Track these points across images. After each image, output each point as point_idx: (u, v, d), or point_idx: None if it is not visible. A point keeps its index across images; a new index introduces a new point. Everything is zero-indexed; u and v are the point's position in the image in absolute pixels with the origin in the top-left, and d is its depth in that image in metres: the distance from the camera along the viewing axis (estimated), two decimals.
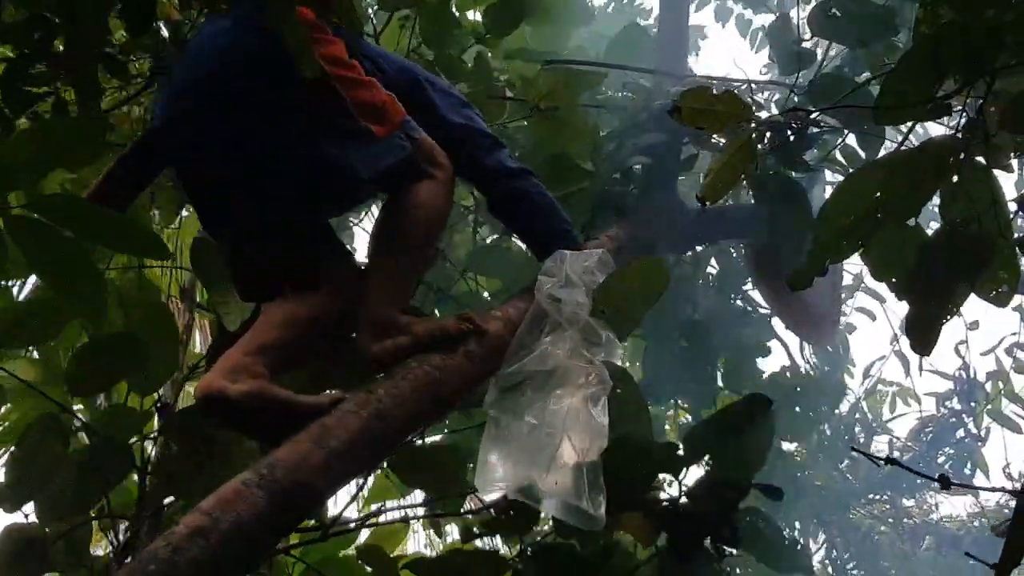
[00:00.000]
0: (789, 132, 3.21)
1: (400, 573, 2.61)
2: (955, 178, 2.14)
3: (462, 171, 2.48)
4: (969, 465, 6.91)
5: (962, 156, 2.07)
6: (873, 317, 6.13)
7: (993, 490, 4.86)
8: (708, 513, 2.40)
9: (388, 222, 2.35)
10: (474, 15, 3.68)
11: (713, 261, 4.10)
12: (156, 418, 2.85)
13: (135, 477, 2.62)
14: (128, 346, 2.48)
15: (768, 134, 3.40)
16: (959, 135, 2.05)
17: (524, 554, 2.50)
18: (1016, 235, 2.19)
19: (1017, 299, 6.36)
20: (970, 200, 2.13)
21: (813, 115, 3.02)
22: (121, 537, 2.63)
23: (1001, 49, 1.90)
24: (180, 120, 2.26)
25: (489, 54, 3.37)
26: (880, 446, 7.19)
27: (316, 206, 2.33)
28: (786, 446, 4.60)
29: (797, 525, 6.92)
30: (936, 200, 2.25)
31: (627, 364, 4.79)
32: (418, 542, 4.54)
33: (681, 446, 2.51)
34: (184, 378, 3.08)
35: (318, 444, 1.89)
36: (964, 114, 2.04)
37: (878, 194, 2.14)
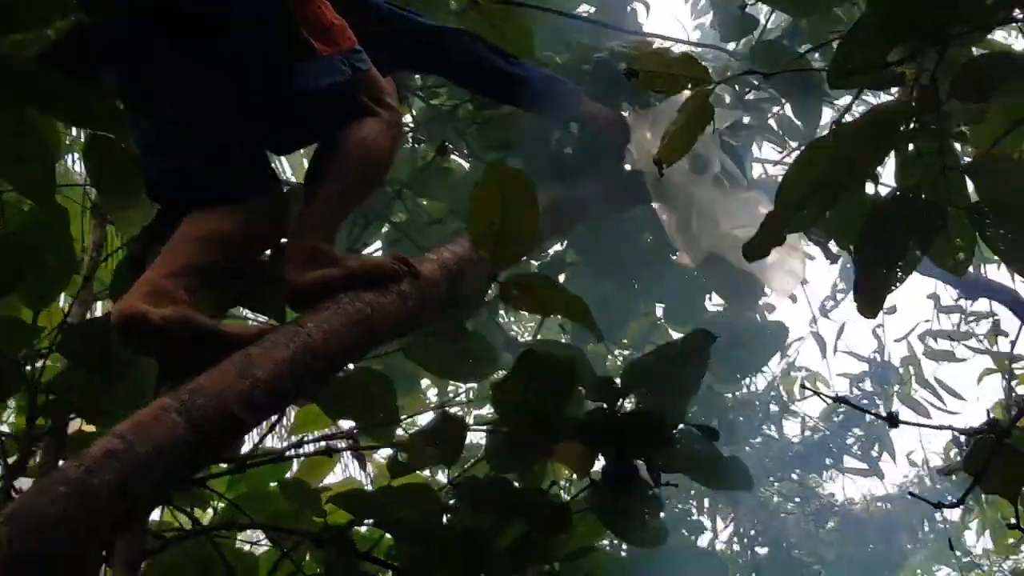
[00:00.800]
0: (728, 98, 3.28)
1: (325, 507, 2.60)
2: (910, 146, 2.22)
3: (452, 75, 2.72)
4: (877, 448, 7.14)
5: (914, 123, 2.15)
6: (794, 299, 6.28)
7: (942, 428, 4.99)
8: (644, 436, 2.45)
9: (325, 157, 2.31)
10: None
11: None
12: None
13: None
14: (14, 250, 2.35)
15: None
16: (912, 103, 2.12)
17: (457, 488, 2.51)
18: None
19: (931, 286, 6.70)
20: (923, 167, 2.21)
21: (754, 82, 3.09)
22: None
23: (953, 16, 1.98)
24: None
25: None
26: (792, 427, 7.44)
27: (253, 108, 2.26)
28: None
29: (707, 503, 7.09)
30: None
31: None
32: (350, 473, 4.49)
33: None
34: (92, 299, 2.98)
35: (242, 374, 1.84)
36: (916, 82, 2.11)
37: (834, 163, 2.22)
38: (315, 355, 2.00)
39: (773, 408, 7.12)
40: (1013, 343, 5.13)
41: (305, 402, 2.77)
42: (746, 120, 3.62)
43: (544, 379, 2.40)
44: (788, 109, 3.62)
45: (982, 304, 6.15)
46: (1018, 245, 2.22)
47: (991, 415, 1.98)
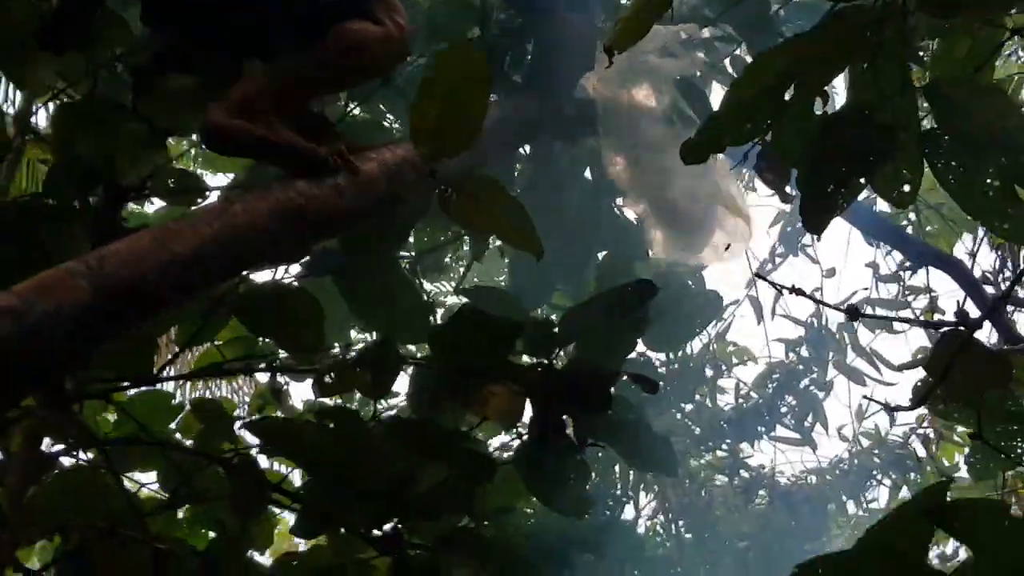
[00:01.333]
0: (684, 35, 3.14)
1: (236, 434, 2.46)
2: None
3: None
4: (811, 416, 7.08)
5: (873, 36, 2.01)
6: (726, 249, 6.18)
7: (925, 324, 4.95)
8: (577, 390, 2.34)
9: (315, 44, 2.25)
10: None
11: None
12: None
13: None
14: None
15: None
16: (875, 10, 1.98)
17: (379, 424, 2.38)
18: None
19: (871, 254, 6.66)
20: (878, 85, 2.07)
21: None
22: None
23: None
24: None
25: None
26: (727, 396, 7.35)
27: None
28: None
29: (631, 475, 6.98)
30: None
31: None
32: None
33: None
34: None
35: (161, 244, 1.72)
36: None
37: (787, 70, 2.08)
38: (238, 237, 1.91)
39: (708, 373, 7.02)
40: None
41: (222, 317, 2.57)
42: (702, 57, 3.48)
43: (482, 327, 2.27)
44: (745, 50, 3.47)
45: (921, 279, 6.13)
46: (969, 180, 2.10)
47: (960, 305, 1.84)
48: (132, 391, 2.56)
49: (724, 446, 7.67)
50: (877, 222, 5.27)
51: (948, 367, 1.72)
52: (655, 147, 3.09)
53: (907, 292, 6.44)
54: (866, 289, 6.63)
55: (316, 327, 2.42)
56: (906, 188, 2.20)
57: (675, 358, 6.40)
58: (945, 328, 1.90)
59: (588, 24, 3.23)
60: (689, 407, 7.17)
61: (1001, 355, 1.94)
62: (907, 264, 5.83)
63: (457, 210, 2.38)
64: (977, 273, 4.58)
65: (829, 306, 2.06)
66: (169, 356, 2.64)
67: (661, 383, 5.49)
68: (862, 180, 2.15)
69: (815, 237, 6.55)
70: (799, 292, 1.95)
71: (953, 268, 4.40)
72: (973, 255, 5.19)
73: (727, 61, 3.53)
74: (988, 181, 2.05)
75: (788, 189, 2.91)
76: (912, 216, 5.85)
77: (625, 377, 2.48)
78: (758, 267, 6.81)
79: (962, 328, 1.80)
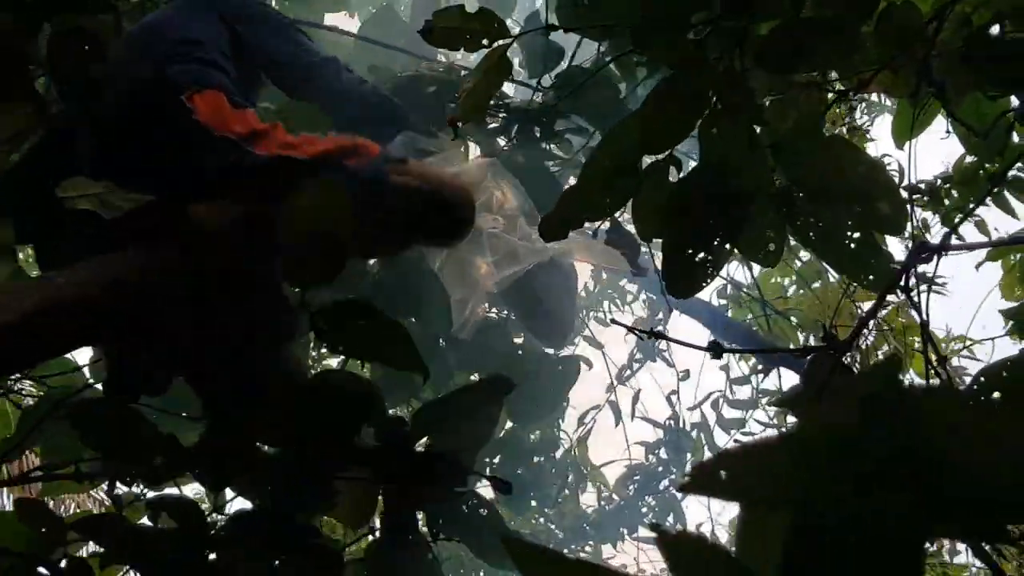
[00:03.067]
0: (536, 127, 3.10)
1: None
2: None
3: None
4: (672, 516, 7.02)
5: (715, 99, 1.97)
6: (590, 365, 6.16)
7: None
8: (429, 481, 2.16)
9: None
10: None
11: None
12: None
13: None
14: None
15: (515, 129, 3.30)
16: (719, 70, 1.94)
17: (226, 524, 2.13)
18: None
19: (724, 357, 6.77)
20: (726, 146, 2.01)
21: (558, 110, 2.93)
22: None
23: None
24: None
25: None
26: (588, 495, 7.22)
27: None
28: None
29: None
30: None
31: None
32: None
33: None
34: None
35: None
36: (722, 48, 1.94)
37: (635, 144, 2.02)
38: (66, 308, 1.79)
39: (569, 477, 6.90)
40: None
41: None
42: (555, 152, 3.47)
43: (335, 406, 2.07)
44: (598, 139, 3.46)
45: (773, 382, 6.21)
46: (828, 234, 2.05)
47: (829, 328, 1.73)
48: None
49: (587, 547, 7.53)
50: (729, 325, 5.35)
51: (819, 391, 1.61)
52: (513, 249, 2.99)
53: (760, 394, 6.53)
54: (720, 391, 6.71)
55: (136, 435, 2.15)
56: (771, 247, 2.15)
57: (539, 437, 6.25)
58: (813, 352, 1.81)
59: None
60: (551, 511, 7.02)
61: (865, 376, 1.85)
62: (759, 367, 5.94)
63: (332, 339, 2.20)
64: None
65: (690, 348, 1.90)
66: None
67: (524, 484, 5.37)
68: (727, 246, 2.07)
69: (668, 345, 6.70)
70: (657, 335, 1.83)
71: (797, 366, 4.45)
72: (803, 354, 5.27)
73: (582, 155, 3.49)
74: (848, 233, 2.01)
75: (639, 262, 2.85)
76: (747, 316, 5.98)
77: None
78: (616, 373, 6.82)
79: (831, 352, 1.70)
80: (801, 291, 5.84)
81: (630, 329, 1.98)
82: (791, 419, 5.79)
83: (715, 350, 1.71)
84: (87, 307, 1.89)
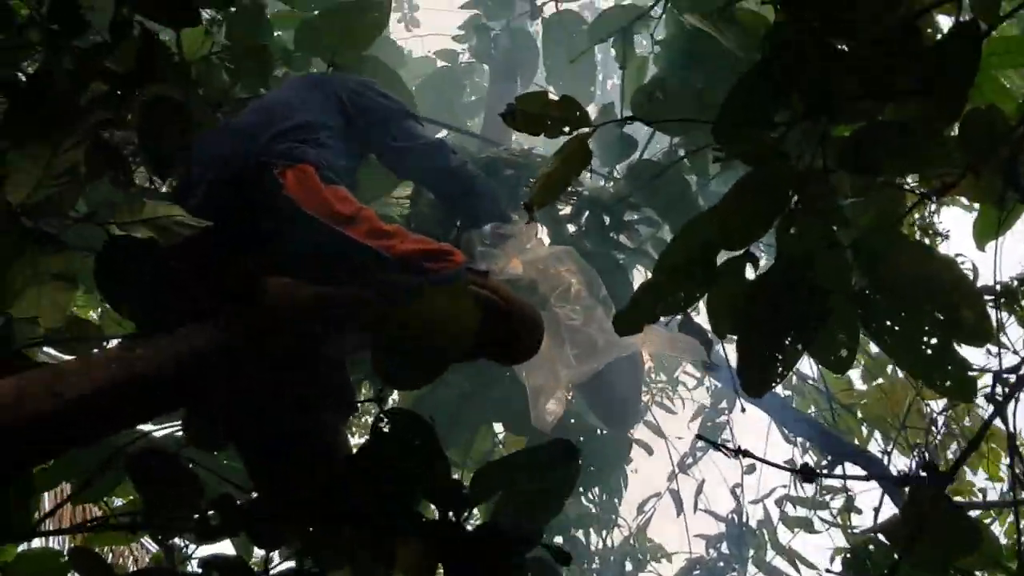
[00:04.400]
0: (606, 215, 3.09)
1: None
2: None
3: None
4: None
5: (795, 197, 1.92)
6: (650, 451, 6.01)
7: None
8: (491, 555, 2.07)
9: None
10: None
11: None
12: None
13: None
14: None
15: (586, 215, 3.29)
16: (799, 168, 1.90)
17: None
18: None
19: (788, 451, 6.56)
20: (805, 244, 1.95)
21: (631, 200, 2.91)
22: None
23: (846, 77, 1.80)
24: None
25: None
26: None
27: None
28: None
29: None
30: None
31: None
32: None
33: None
34: None
35: (48, 387, 1.55)
36: (803, 147, 1.90)
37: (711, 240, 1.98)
38: (136, 385, 1.79)
39: (628, 567, 6.67)
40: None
41: None
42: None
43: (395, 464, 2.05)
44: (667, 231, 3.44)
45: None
46: (906, 338, 1.97)
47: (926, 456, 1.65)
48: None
49: None
50: (795, 418, 5.20)
51: (919, 526, 1.52)
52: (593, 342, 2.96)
53: (824, 491, 6.28)
54: (785, 486, 6.46)
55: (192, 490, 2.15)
56: (843, 353, 2.07)
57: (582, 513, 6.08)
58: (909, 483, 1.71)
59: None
60: None
61: (969, 517, 1.75)
62: (824, 463, 5.74)
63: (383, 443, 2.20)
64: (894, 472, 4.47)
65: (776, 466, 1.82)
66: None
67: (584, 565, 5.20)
68: (799, 347, 2.00)
69: (731, 434, 6.53)
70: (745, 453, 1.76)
71: (872, 466, 4.29)
72: (887, 454, 5.10)
73: (649, 245, 3.46)
74: (925, 338, 1.93)
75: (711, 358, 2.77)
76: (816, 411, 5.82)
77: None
78: (678, 461, 6.63)
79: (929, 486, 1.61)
80: (868, 384, 5.68)
81: (714, 445, 1.91)
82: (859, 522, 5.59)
83: (806, 472, 1.63)
84: (162, 382, 1.88)
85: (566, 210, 3.58)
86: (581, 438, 3.58)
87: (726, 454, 1.77)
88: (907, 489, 1.74)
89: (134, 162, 2.68)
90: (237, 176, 2.34)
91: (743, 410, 3.20)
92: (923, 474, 1.74)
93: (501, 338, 2.31)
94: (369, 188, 2.99)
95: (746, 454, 1.78)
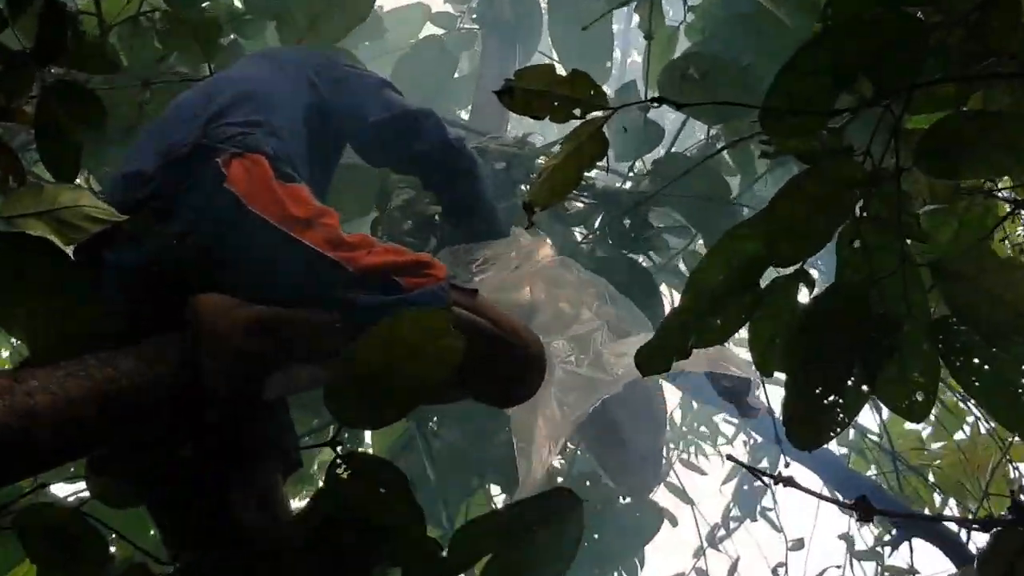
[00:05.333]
0: (626, 219, 3.09)
1: None
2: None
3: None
4: None
5: (863, 200, 1.92)
6: (674, 522, 5.99)
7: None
8: None
9: None
10: None
11: None
12: None
13: None
14: None
15: (600, 217, 3.28)
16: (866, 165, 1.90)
17: None
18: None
19: (844, 523, 6.50)
20: (872, 262, 1.95)
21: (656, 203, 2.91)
22: None
23: (926, 57, 1.79)
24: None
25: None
26: None
27: None
28: None
29: None
30: None
31: None
32: None
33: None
34: None
35: None
36: (872, 140, 1.89)
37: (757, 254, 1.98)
38: (34, 421, 1.78)
39: None
40: None
41: None
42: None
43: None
44: (700, 244, 3.44)
45: (903, 556, 5.94)
46: (998, 380, 1.96)
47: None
48: None
49: None
50: (852, 480, 5.17)
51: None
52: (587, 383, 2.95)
53: (886, 573, 6.25)
54: (839, 567, 6.42)
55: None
56: (919, 396, 2.05)
57: None
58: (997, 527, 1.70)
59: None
60: None
61: None
62: (887, 538, 5.71)
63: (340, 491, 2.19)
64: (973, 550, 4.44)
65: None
66: None
67: None
68: (863, 389, 1.99)
69: (774, 501, 6.49)
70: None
71: (947, 544, 4.27)
72: (967, 528, 5.07)
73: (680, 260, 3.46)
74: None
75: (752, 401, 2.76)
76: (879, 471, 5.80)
77: None
78: (708, 533, 6.59)
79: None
80: (942, 441, 5.67)
81: (751, 470, 1.89)
82: None
83: (864, 509, 1.61)
84: (60, 425, 1.86)
85: (577, 206, 3.57)
86: (599, 506, 3.56)
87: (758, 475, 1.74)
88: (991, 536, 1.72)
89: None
90: (170, 165, 2.32)
91: (787, 465, 3.18)
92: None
93: (495, 374, 2.29)
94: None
95: (786, 482, 1.75)
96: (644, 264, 3.41)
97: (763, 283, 2.00)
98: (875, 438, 5.85)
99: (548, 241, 2.93)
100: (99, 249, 2.22)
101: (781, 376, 2.04)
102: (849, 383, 1.96)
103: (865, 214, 1.91)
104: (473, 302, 2.34)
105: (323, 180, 2.63)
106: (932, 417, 5.46)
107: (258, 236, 2.21)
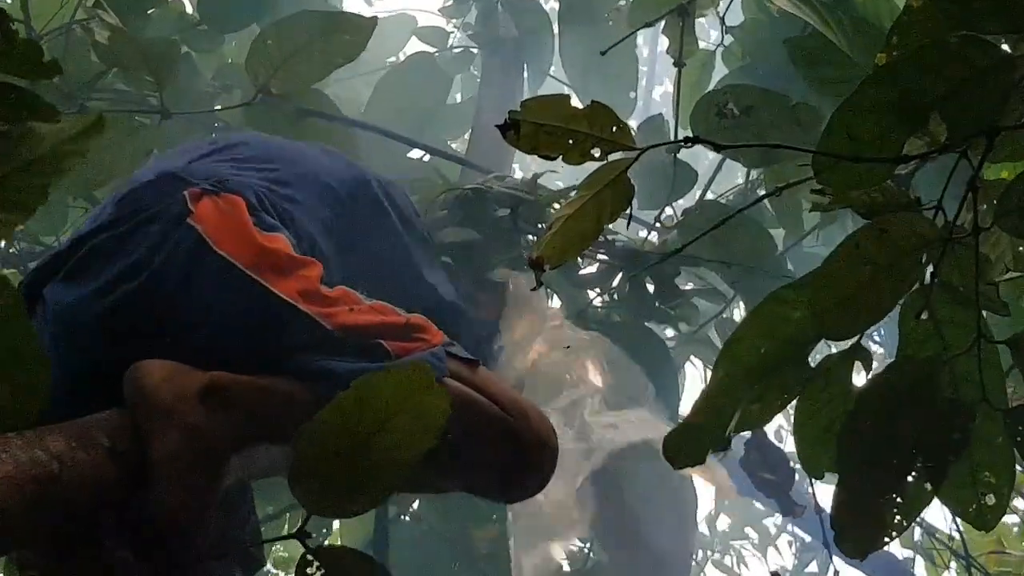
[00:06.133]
0: (649, 280, 3.09)
1: None
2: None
3: None
4: None
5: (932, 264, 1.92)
6: None
7: None
8: None
9: None
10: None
11: None
12: None
13: None
14: None
15: (618, 277, 3.29)
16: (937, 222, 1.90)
17: None
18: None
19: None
20: (941, 338, 1.96)
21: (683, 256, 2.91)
22: None
23: (1011, 95, 1.79)
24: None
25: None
26: None
27: None
28: None
29: None
30: None
31: None
32: None
33: None
34: None
35: None
36: (945, 192, 1.90)
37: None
38: None
39: None
40: None
41: None
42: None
43: None
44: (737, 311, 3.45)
45: None
46: None
47: None
48: None
49: None
50: None
51: None
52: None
53: None
54: None
55: None
56: (990, 499, 2.05)
57: None
58: None
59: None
60: None
61: None
62: None
63: None
64: None
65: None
66: None
67: None
68: (927, 488, 1.99)
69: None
70: None
71: None
72: None
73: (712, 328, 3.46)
74: None
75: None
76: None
77: None
78: None
79: None
80: None
81: None
82: None
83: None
84: None
85: (589, 269, 3.58)
86: None
87: None
88: None
89: None
90: (135, 191, 2.35)
91: (836, 574, 3.17)
92: None
93: (495, 462, 2.27)
94: None
95: None
96: (669, 332, 3.42)
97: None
98: (945, 542, 5.83)
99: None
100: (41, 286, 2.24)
101: None
102: (909, 480, 1.96)
103: (935, 281, 1.91)
104: (473, 375, 2.31)
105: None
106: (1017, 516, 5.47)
107: (221, 282, 2.19)
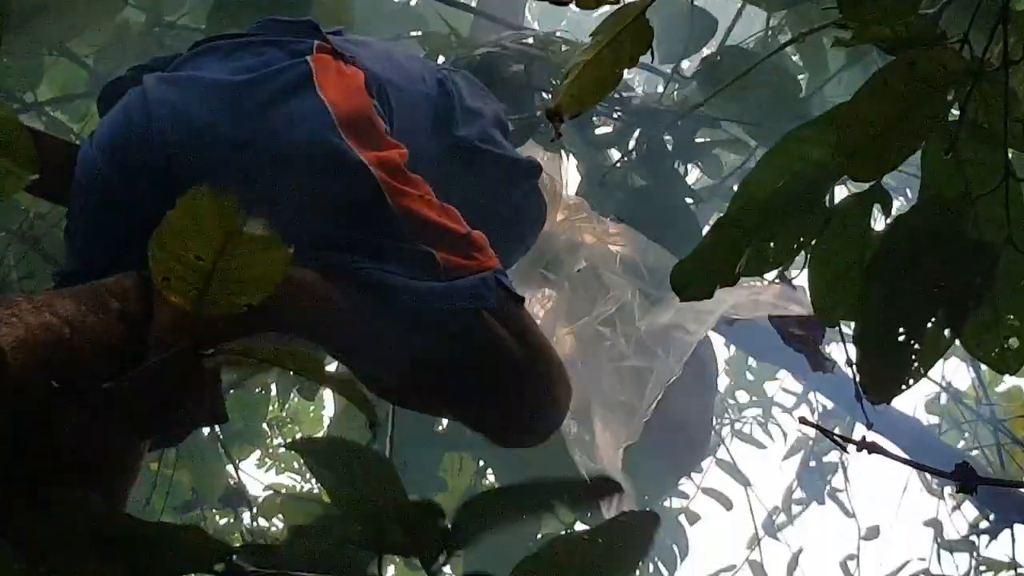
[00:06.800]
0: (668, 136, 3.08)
1: None
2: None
3: None
4: None
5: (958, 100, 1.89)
6: (729, 505, 6.00)
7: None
8: None
9: None
10: None
11: None
12: None
13: None
14: None
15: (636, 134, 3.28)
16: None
17: None
18: None
19: (932, 506, 6.46)
20: (965, 176, 1.95)
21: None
22: None
23: None
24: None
25: None
26: None
27: None
28: None
29: None
30: None
31: None
32: None
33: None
34: None
35: None
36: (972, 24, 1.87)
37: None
38: None
39: None
40: None
41: None
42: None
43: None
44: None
45: (1004, 547, 5.94)
46: None
47: None
48: None
49: None
50: (942, 452, 5.17)
51: None
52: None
53: (982, 567, 6.24)
54: (923, 559, 6.41)
55: None
56: (1013, 342, 2.05)
57: None
58: None
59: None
60: None
61: None
62: (984, 525, 5.69)
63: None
64: None
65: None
66: None
67: None
68: (949, 332, 1.99)
69: (846, 480, 6.48)
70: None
71: None
72: None
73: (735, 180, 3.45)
74: None
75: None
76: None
77: None
78: (765, 519, 6.60)
79: None
80: None
81: (828, 434, 1.89)
82: None
83: (966, 477, 1.61)
84: None
85: (605, 129, 3.55)
86: None
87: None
88: None
89: None
90: (271, 21, 2.45)
91: (870, 426, 3.18)
92: None
93: (506, 408, 2.24)
94: None
95: (870, 448, 1.74)
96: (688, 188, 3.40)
97: None
98: (972, 405, 5.86)
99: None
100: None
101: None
102: (931, 324, 1.97)
103: (962, 117, 1.89)
104: (517, 314, 2.25)
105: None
106: None
107: (306, 119, 2.16)
